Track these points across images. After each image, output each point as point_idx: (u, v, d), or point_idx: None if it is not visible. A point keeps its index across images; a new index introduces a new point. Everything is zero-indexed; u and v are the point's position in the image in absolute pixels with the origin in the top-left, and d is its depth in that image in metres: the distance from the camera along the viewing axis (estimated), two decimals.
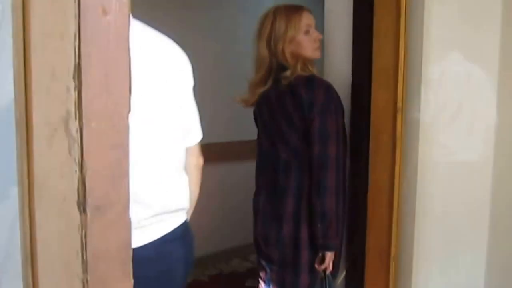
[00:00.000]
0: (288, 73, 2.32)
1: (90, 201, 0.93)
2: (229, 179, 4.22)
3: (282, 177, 2.37)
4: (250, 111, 2.55)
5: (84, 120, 0.92)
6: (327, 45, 2.57)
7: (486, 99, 2.33)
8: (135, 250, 1.03)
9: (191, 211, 1.85)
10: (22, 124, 0.89)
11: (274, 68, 2.37)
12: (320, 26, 2.55)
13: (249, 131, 2.67)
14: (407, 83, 2.24)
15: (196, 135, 1.81)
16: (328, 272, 2.32)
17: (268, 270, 2.46)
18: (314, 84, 2.29)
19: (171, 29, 1.73)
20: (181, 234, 1.71)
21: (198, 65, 1.76)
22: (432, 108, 2.23)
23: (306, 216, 2.32)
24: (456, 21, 2.25)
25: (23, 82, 0.88)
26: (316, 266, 2.32)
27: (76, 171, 0.92)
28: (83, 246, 0.93)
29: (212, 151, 3.90)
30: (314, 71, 2.36)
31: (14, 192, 0.90)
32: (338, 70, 2.51)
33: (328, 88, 2.30)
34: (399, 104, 2.23)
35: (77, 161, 0.92)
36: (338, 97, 2.33)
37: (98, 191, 0.94)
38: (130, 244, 0.99)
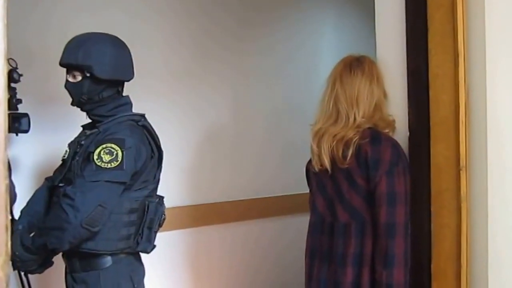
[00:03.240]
0: None
1: None
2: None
3: (340, 242, 2.16)
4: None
5: None
6: None
7: None
8: None
9: None
10: None
11: None
12: None
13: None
14: (470, 136, 1.98)
15: None
16: None
17: None
18: (380, 140, 2.11)
19: None
20: None
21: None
22: (501, 163, 1.96)
23: None
24: None
25: None
26: None
27: None
28: None
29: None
30: None
31: None
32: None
33: (395, 145, 2.12)
34: (463, 161, 1.97)
35: None
36: (405, 155, 2.14)
37: None
38: None
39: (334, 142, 2.16)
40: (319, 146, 2.20)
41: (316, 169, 2.23)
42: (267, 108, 3.86)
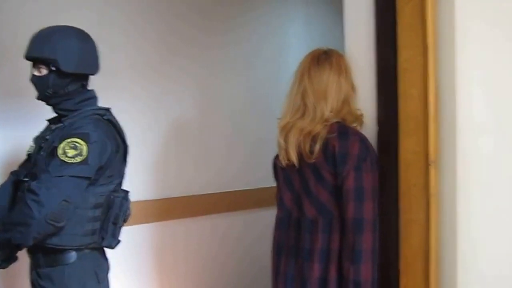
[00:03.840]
0: None
1: None
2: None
3: (307, 237, 2.12)
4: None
5: None
6: None
7: None
8: None
9: None
10: None
11: None
12: None
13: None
14: (439, 131, 1.96)
15: None
16: None
17: None
18: (348, 134, 2.08)
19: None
20: None
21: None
22: (471, 158, 1.94)
23: (335, 284, 2.07)
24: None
25: None
26: None
27: None
28: None
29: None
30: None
31: None
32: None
33: (363, 140, 2.09)
34: (432, 156, 1.95)
35: None
36: (373, 150, 2.12)
37: None
38: None
39: (301, 137, 2.12)
40: (286, 140, 2.16)
41: (283, 164, 2.20)
42: (234, 102, 3.82)
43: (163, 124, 3.47)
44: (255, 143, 3.79)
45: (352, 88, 2.19)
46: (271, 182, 2.38)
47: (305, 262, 2.12)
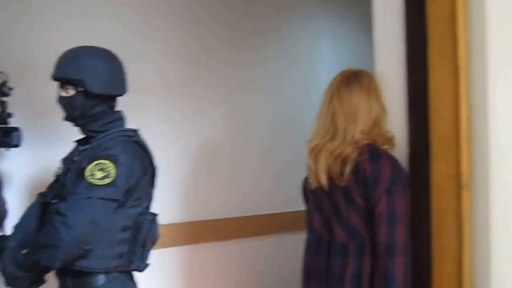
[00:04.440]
0: None
1: None
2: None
3: (338, 262, 2.09)
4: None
5: None
6: None
7: None
8: None
9: None
10: None
11: None
12: None
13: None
14: (471, 154, 1.92)
15: None
16: None
17: None
18: (379, 157, 2.06)
19: None
20: None
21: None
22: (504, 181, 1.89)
23: None
24: None
25: None
26: None
27: None
28: None
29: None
30: None
31: None
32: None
33: (394, 163, 2.06)
34: (464, 179, 1.90)
35: None
36: (405, 172, 2.09)
37: None
38: None
39: (331, 159, 2.10)
40: (315, 162, 2.13)
41: (313, 187, 2.17)
42: (263, 122, 3.79)
43: (193, 145, 3.46)
44: (285, 165, 3.75)
45: (383, 109, 2.16)
46: (301, 206, 2.36)
47: (335, 287, 2.09)
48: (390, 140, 2.16)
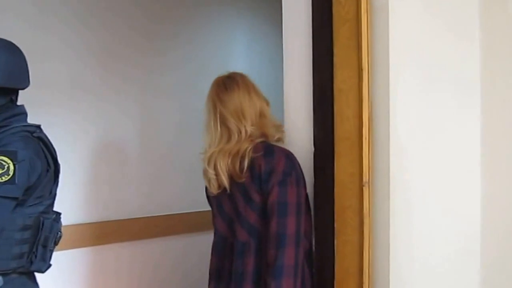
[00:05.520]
0: None
1: None
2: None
3: (239, 261, 2.12)
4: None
5: None
6: (286, 108, 2.33)
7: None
8: None
9: None
10: None
11: None
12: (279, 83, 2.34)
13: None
14: (373, 152, 1.97)
15: None
16: None
17: None
18: (273, 151, 2.10)
19: None
20: None
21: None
22: (403, 179, 1.96)
23: None
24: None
25: None
26: None
27: None
28: None
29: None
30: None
31: None
32: (299, 138, 2.23)
33: (289, 156, 2.10)
34: (366, 177, 1.96)
35: None
36: (300, 166, 2.12)
37: None
38: None
39: (230, 158, 2.12)
40: (215, 168, 2.15)
41: (215, 193, 2.20)
42: (173, 123, 3.72)
43: (97, 144, 3.35)
44: (195, 165, 3.69)
45: (265, 101, 2.24)
46: (207, 206, 2.36)
47: (238, 286, 2.11)
48: (279, 128, 2.23)
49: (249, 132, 2.12)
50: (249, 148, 2.09)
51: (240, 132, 2.12)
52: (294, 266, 2.00)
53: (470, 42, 2.10)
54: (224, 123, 2.16)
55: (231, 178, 2.12)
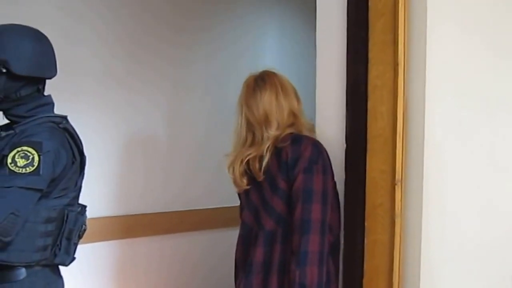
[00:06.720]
0: None
1: None
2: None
3: (266, 251, 2.10)
4: None
5: None
6: (318, 104, 2.29)
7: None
8: None
9: None
10: None
11: None
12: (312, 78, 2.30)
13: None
14: (407, 150, 1.93)
15: None
16: None
17: None
18: (301, 140, 2.08)
19: None
20: None
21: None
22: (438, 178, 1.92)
23: None
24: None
25: None
26: None
27: None
28: None
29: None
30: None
31: None
32: (331, 134, 2.19)
33: (316, 144, 2.08)
34: (398, 175, 1.91)
35: None
36: (327, 155, 2.09)
37: None
38: None
39: (248, 163, 2.14)
40: (234, 173, 2.18)
41: (239, 191, 2.24)
42: (203, 118, 3.70)
43: (127, 136, 3.34)
44: (221, 160, 3.69)
45: (297, 100, 2.21)
46: (237, 201, 2.34)
47: (264, 274, 2.10)
48: (311, 129, 2.22)
49: (272, 136, 2.12)
50: (268, 145, 2.10)
51: (264, 139, 2.13)
52: (319, 253, 1.97)
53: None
54: (249, 128, 2.17)
55: (251, 177, 2.14)
